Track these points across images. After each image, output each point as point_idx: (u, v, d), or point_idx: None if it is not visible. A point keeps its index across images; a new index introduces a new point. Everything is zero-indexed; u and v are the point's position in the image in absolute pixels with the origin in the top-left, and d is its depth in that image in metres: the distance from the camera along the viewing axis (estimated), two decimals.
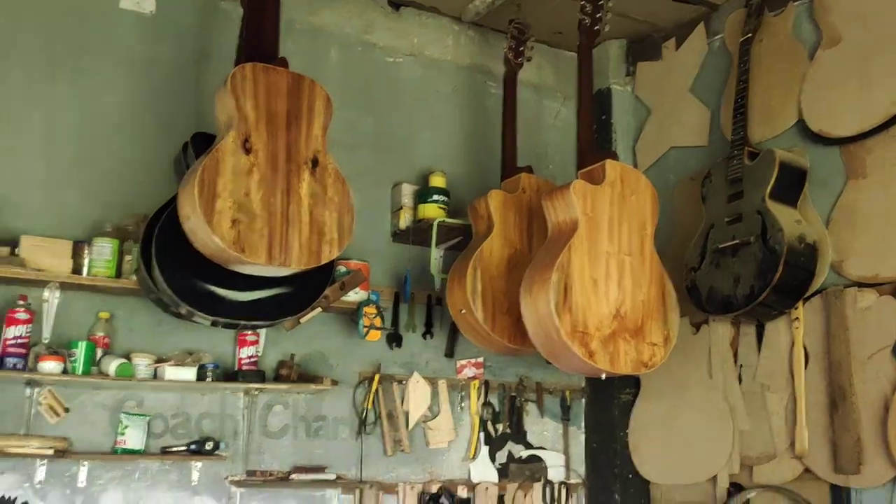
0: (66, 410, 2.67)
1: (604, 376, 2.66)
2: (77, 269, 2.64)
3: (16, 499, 2.56)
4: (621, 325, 2.63)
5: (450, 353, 3.33)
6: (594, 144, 3.03)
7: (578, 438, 3.55)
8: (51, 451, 2.54)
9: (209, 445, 2.78)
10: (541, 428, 3.47)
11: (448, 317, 3.12)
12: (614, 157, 2.82)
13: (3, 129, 2.75)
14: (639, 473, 3.32)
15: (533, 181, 3.08)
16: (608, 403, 3.47)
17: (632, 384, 3.42)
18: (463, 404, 3.32)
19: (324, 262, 2.43)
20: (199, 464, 2.80)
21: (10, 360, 2.49)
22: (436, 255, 3.24)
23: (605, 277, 2.64)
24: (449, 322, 3.23)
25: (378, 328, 3.01)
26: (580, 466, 3.51)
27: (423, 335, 3.28)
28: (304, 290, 2.72)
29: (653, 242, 2.79)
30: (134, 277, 2.66)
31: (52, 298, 2.69)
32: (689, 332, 3.17)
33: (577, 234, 2.62)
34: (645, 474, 3.30)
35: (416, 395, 3.18)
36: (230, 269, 2.46)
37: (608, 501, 3.38)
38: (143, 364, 2.70)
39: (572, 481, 3.44)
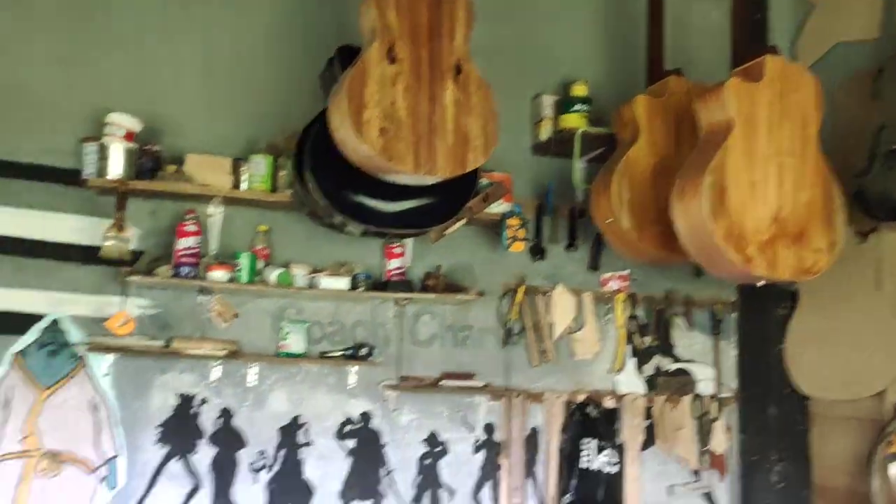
0: (235, 316, 2.87)
1: (761, 283, 2.54)
2: (236, 185, 2.80)
3: (195, 395, 2.82)
4: (781, 229, 2.48)
5: (594, 266, 3.28)
6: (750, 42, 2.82)
7: (729, 352, 3.43)
8: (224, 353, 2.76)
9: (363, 351, 2.92)
10: (689, 341, 3.38)
11: (592, 229, 3.07)
12: (774, 52, 2.62)
13: (167, 54, 2.92)
14: (795, 388, 3.19)
15: (682, 84, 2.93)
16: (762, 317, 3.32)
17: (788, 298, 3.25)
18: (608, 317, 3.28)
19: (469, 169, 2.44)
20: (355, 368, 2.95)
21: (183, 269, 2.70)
22: (579, 165, 3.17)
23: (764, 180, 2.49)
24: (593, 234, 3.18)
25: (521, 239, 3.01)
26: (731, 381, 3.41)
27: (567, 247, 3.25)
28: (449, 202, 2.75)
29: (817, 143, 2.59)
30: (288, 192, 2.79)
31: (215, 213, 2.87)
32: (855, 241, 2.95)
33: (732, 135, 2.47)
34: (803, 389, 3.17)
35: (561, 307, 3.17)
36: (378, 181, 2.52)
37: (762, 416, 3.27)
38: (300, 274, 2.85)
39: (723, 395, 3.35)
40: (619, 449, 3.16)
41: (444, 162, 2.38)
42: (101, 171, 2.64)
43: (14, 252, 2.69)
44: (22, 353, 2.67)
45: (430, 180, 2.48)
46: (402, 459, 2.99)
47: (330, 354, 2.91)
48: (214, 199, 2.82)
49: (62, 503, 2.63)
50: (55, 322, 2.70)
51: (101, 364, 2.72)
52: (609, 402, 3.19)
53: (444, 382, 2.98)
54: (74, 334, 2.71)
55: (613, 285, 3.29)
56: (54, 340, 2.70)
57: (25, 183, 2.72)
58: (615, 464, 3.13)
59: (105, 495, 2.69)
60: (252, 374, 2.86)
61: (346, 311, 3.00)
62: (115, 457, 2.71)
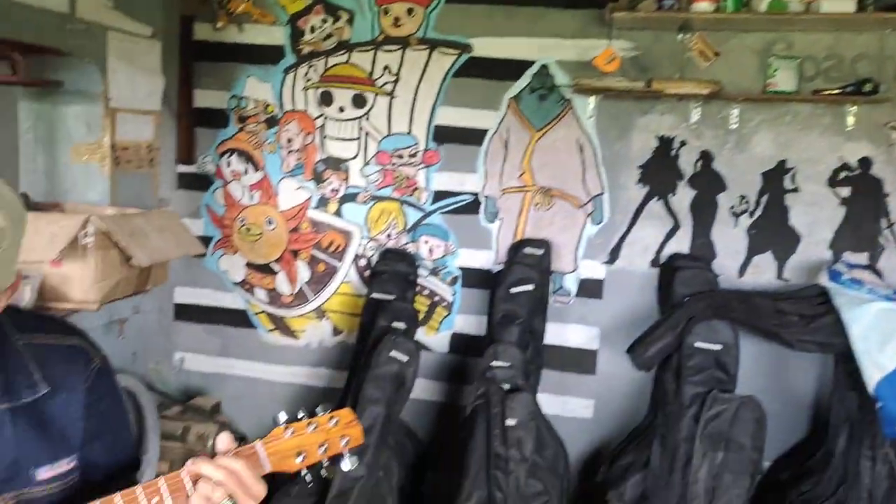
0: (716, 55, 2.70)
1: None
2: None
3: (674, 137, 2.79)
4: None
5: None
6: None
7: None
8: (705, 92, 2.64)
9: (867, 88, 2.54)
10: None
11: None
12: None
13: None
14: None
15: None
16: None
17: None
18: None
19: None
20: (854, 108, 2.61)
21: (667, 1, 2.59)
22: None
23: None
24: None
25: None
26: None
27: None
28: None
29: None
30: None
31: None
32: None
33: None
34: None
35: None
36: None
37: None
38: None
39: None
40: None
41: None
42: None
43: (505, 1, 2.85)
44: (516, 97, 2.89)
45: None
46: None
47: (825, 92, 2.59)
48: None
49: (554, 233, 2.91)
50: (544, 67, 2.85)
51: (586, 107, 2.83)
52: None
53: None
54: (561, 78, 2.84)
55: None
56: (543, 85, 2.87)
57: None
58: None
59: (591, 229, 2.89)
60: (734, 115, 2.71)
61: (847, 43, 2.62)
62: (600, 194, 2.87)
